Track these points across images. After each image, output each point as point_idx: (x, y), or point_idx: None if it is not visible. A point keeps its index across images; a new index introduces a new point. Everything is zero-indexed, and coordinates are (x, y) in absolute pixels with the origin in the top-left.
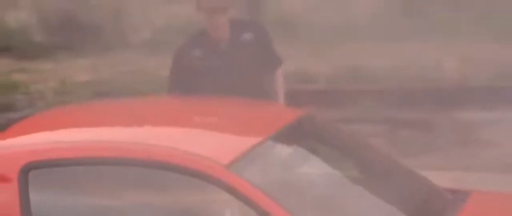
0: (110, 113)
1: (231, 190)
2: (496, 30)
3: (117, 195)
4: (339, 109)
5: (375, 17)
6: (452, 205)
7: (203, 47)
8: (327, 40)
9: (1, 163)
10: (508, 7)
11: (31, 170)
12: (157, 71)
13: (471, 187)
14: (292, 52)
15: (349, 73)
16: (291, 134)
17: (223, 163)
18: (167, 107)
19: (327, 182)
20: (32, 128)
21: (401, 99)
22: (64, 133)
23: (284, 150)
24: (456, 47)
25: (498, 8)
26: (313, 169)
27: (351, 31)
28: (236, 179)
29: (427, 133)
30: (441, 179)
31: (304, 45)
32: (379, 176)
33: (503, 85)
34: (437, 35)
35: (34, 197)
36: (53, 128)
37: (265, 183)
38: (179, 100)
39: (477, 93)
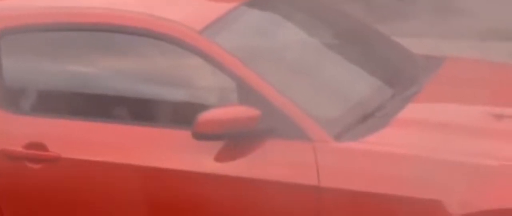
0: None
1: (204, 55)
2: None
3: (90, 61)
4: None
5: None
6: (426, 70)
7: None
8: None
9: None
10: None
11: (4, 36)
12: None
13: (445, 54)
14: None
15: None
16: (266, 1)
17: (196, 28)
18: None
19: (302, 48)
20: None
21: None
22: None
23: (259, 16)
24: None
25: None
26: (288, 35)
27: None
28: (209, 44)
29: (403, 0)
30: (416, 45)
31: None
32: (353, 42)
33: None
34: None
35: (7, 62)
36: None
37: (238, 49)
38: None
39: None
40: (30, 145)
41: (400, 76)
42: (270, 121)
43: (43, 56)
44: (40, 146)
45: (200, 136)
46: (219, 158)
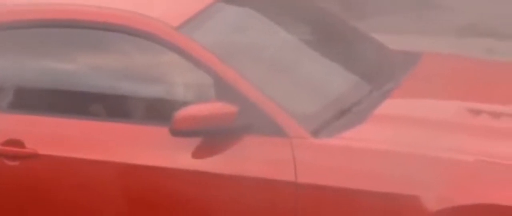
0: None
1: (181, 52)
2: None
3: (67, 58)
4: None
5: None
6: (403, 66)
7: None
8: None
9: None
10: None
11: None
12: None
13: (423, 50)
14: None
15: None
16: None
17: (173, 24)
18: None
19: (279, 44)
20: None
21: None
22: None
23: (235, 13)
24: None
25: None
26: (265, 32)
27: None
28: (186, 40)
29: None
30: (394, 42)
31: None
32: (330, 38)
33: None
34: None
35: None
36: None
37: (215, 45)
38: None
39: None
40: (7, 142)
41: (377, 72)
42: (247, 117)
43: (19, 53)
44: (17, 143)
45: (177, 132)
46: (196, 154)
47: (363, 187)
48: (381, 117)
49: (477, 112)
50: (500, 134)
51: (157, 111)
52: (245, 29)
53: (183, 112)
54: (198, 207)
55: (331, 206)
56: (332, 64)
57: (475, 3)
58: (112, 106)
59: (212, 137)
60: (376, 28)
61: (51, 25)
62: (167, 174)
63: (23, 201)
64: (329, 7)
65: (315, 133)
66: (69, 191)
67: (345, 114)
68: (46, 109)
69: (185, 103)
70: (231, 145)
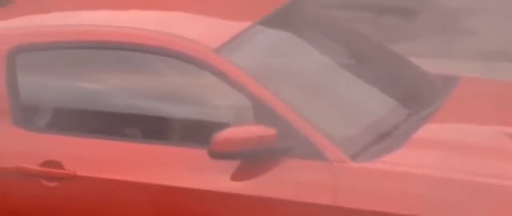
0: None
1: (220, 74)
2: None
3: (104, 80)
4: None
5: None
6: (441, 90)
7: None
8: None
9: None
10: None
11: (19, 53)
12: None
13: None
14: None
15: None
16: (280, 19)
17: (212, 47)
18: None
19: (317, 67)
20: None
21: None
22: (52, 17)
23: (273, 35)
24: None
25: None
26: (303, 55)
27: None
28: (225, 63)
29: (410, 20)
30: (424, 66)
31: None
32: (368, 61)
33: None
34: None
35: (23, 80)
36: (40, 11)
37: (254, 68)
38: None
39: None
40: (46, 163)
41: (416, 96)
42: (286, 140)
43: (59, 73)
44: (56, 164)
45: (216, 154)
46: (234, 177)
47: (403, 212)
48: (421, 141)
49: None
50: None
51: (195, 133)
52: (282, 52)
53: (222, 134)
54: None
55: None
56: (370, 87)
57: (502, 28)
58: (150, 128)
59: (250, 159)
60: (406, 52)
61: (91, 46)
62: (204, 196)
63: None
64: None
65: (354, 157)
66: (107, 213)
67: (384, 138)
68: (85, 130)
69: (222, 126)
70: (269, 168)
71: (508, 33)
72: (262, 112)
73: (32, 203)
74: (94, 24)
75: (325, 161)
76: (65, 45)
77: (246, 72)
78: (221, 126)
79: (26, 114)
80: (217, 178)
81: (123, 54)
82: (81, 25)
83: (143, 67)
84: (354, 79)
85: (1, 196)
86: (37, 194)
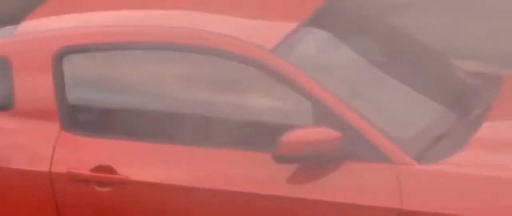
0: None
1: (278, 76)
2: None
3: (156, 82)
4: None
5: None
6: (488, 89)
7: None
8: None
9: (34, 48)
10: None
11: (66, 55)
12: None
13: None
14: None
15: None
16: (324, 19)
17: (267, 47)
18: None
19: (368, 68)
20: (59, 11)
21: None
22: (98, 16)
23: (321, 36)
24: None
25: None
26: (353, 56)
27: None
28: (284, 64)
29: None
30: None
31: None
32: (414, 62)
33: None
34: None
35: (70, 83)
36: (82, 10)
37: (308, 70)
38: None
39: None
40: (97, 168)
41: (464, 96)
42: (349, 143)
43: (108, 75)
44: (108, 169)
45: (281, 158)
46: (297, 180)
47: (474, 214)
48: (483, 141)
49: None
50: None
51: (251, 136)
52: (332, 54)
53: (288, 137)
54: None
55: None
56: (422, 88)
57: (433, 24)
58: (204, 131)
59: (314, 163)
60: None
61: (142, 47)
62: (266, 201)
63: None
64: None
65: (418, 159)
66: None
67: (442, 140)
68: (136, 134)
69: (280, 128)
70: (333, 171)
71: (439, 30)
72: (323, 114)
73: (84, 209)
74: (147, 24)
75: (389, 164)
76: (117, 46)
77: (306, 73)
78: (279, 128)
79: (76, 119)
80: (278, 182)
81: (178, 56)
82: (133, 26)
83: (199, 69)
84: (405, 80)
85: (51, 202)
86: (89, 199)
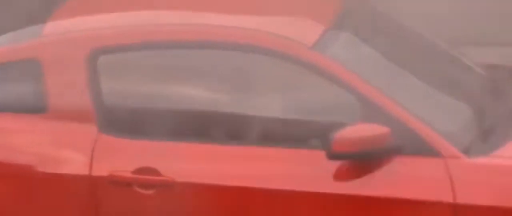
0: None
1: (322, 72)
2: None
3: (195, 80)
4: None
5: None
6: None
7: None
8: None
9: (67, 49)
10: None
11: (100, 55)
12: None
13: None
14: None
15: None
16: (350, 19)
17: (307, 44)
18: None
19: (404, 65)
20: (82, 10)
21: None
22: (127, 16)
23: (346, 37)
24: None
25: None
26: (392, 51)
27: None
28: (327, 60)
29: None
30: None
31: None
32: (440, 59)
33: None
34: None
35: (105, 83)
36: (104, 9)
37: (350, 65)
38: None
39: None
40: (140, 170)
41: (496, 88)
42: (397, 138)
43: (152, 76)
44: (152, 171)
45: (335, 155)
46: (348, 177)
47: None
48: None
49: None
50: None
51: (293, 133)
52: (363, 55)
53: (341, 135)
54: None
55: None
56: (457, 83)
57: None
58: (246, 130)
59: (362, 159)
60: None
61: (179, 46)
62: (314, 198)
63: None
64: None
65: (466, 152)
66: None
67: (488, 133)
68: (178, 134)
69: (324, 126)
70: (383, 167)
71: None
72: (370, 110)
73: (126, 212)
74: (177, 23)
75: (439, 158)
76: (154, 45)
77: (351, 70)
78: (323, 126)
79: (114, 120)
80: (327, 179)
81: (221, 54)
82: (171, 24)
83: (242, 68)
84: (443, 74)
85: (92, 206)
86: (132, 202)
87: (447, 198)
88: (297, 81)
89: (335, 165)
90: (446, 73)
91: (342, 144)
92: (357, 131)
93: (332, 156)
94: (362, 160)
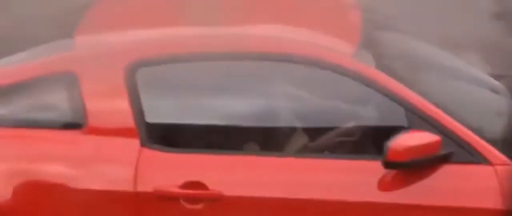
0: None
1: (368, 82)
2: None
3: (238, 92)
4: None
5: None
6: None
7: None
8: None
9: (105, 62)
10: None
11: (140, 68)
12: None
13: None
14: None
15: None
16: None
17: (349, 53)
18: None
19: (436, 73)
20: (108, 20)
21: None
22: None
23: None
24: None
25: None
26: (422, 60)
27: None
28: (372, 71)
29: None
30: None
31: None
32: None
33: None
34: None
35: (145, 97)
36: (131, 18)
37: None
38: None
39: None
40: (186, 185)
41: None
42: (446, 146)
43: (196, 89)
44: (198, 185)
45: (392, 164)
46: (397, 186)
47: None
48: None
49: None
50: None
51: (342, 143)
52: (405, 57)
53: (396, 143)
54: None
55: None
56: (482, 89)
57: None
58: (292, 141)
59: (414, 168)
60: None
61: (230, 58)
62: (365, 208)
63: None
64: None
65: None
66: None
67: None
68: (223, 147)
69: (369, 135)
70: (432, 175)
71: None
72: (418, 119)
73: None
74: (218, 34)
75: (488, 165)
76: (194, 57)
77: (394, 79)
78: (368, 135)
79: (156, 134)
80: (378, 189)
81: (266, 66)
82: (212, 36)
83: (279, 78)
84: (465, 81)
85: None
86: None
87: (498, 205)
88: (341, 91)
89: (385, 174)
90: (467, 89)
91: (398, 153)
92: (411, 139)
93: (389, 165)
94: (413, 169)
